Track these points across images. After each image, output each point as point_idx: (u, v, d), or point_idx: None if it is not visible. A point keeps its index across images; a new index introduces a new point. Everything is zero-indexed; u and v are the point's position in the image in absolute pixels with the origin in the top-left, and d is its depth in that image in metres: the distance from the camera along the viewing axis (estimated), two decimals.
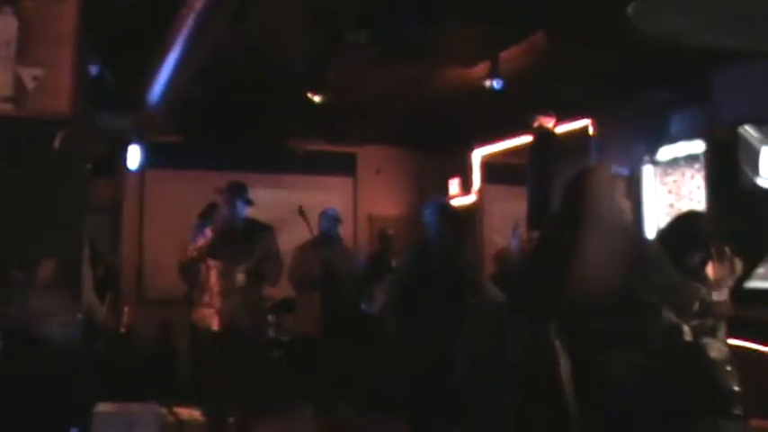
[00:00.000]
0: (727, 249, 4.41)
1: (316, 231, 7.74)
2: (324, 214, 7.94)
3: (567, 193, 4.09)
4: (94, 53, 5.80)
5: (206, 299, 6.08)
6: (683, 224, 4.43)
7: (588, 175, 4.17)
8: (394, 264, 8.06)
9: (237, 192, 6.21)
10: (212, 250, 6.05)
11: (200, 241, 6.07)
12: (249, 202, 6.27)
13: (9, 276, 3.41)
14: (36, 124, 3.52)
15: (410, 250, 6.62)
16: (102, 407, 4.57)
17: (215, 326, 6.04)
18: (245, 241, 6.15)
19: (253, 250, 6.15)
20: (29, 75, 3.54)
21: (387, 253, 8.50)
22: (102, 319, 6.56)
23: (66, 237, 3.54)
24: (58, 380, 3.50)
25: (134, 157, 9.14)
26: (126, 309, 8.73)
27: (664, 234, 4.54)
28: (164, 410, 6.94)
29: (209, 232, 6.08)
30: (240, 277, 6.08)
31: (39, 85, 3.55)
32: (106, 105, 7.51)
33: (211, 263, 6.07)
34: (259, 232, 6.30)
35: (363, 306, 8.17)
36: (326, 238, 7.87)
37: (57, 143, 3.47)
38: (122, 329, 8.44)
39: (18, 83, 3.53)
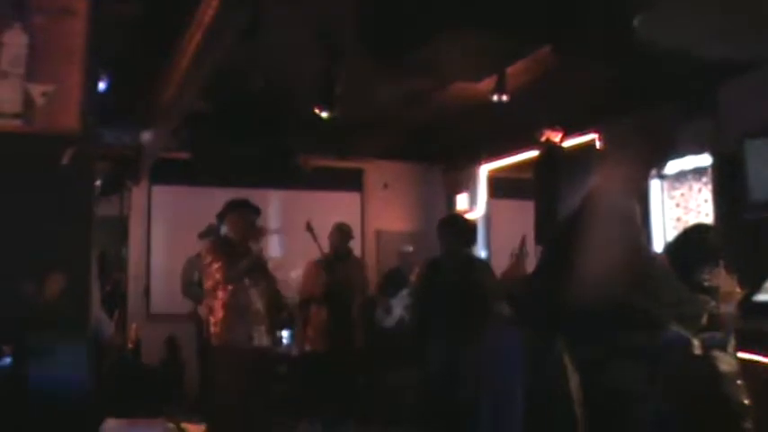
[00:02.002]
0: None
1: (324, 247, 7.72)
2: (335, 229, 7.94)
3: (578, 208, 4.07)
4: (103, 69, 5.82)
5: (236, 319, 5.95)
6: (692, 237, 4.42)
7: (600, 189, 4.15)
8: (412, 278, 8.04)
9: (246, 208, 6.19)
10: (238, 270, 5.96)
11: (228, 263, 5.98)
12: (258, 213, 6.24)
13: (18, 292, 3.40)
14: (45, 141, 3.52)
15: (423, 266, 6.60)
16: (110, 423, 4.57)
17: (255, 344, 5.96)
18: (259, 261, 6.12)
19: (266, 269, 6.14)
20: (38, 91, 3.55)
21: (405, 268, 8.50)
22: (109, 336, 6.58)
23: (74, 253, 3.53)
24: (65, 396, 3.49)
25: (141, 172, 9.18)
26: (133, 325, 8.74)
27: (673, 247, 4.53)
28: (171, 426, 6.95)
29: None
30: (261, 295, 6.02)
31: (48, 101, 3.56)
32: (115, 121, 7.56)
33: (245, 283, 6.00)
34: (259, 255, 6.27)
35: (380, 320, 8.18)
36: (338, 253, 7.86)
37: (65, 160, 3.48)
38: (130, 345, 8.46)
39: (27, 99, 3.53)
